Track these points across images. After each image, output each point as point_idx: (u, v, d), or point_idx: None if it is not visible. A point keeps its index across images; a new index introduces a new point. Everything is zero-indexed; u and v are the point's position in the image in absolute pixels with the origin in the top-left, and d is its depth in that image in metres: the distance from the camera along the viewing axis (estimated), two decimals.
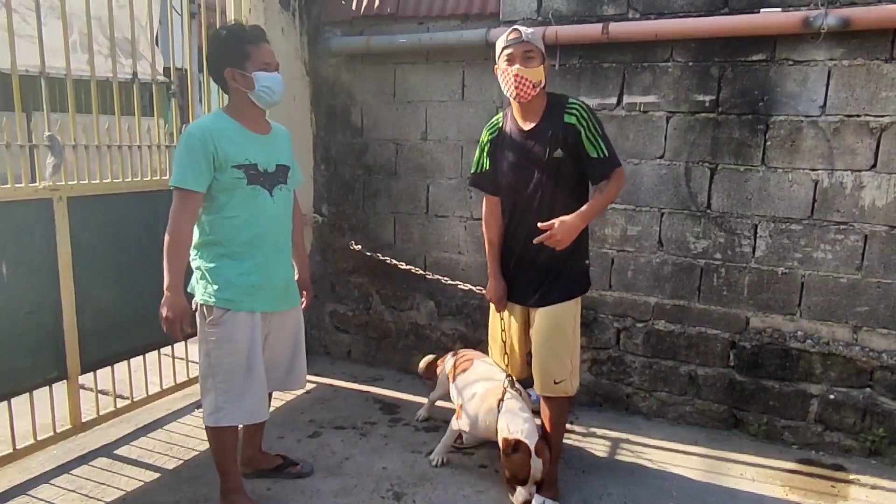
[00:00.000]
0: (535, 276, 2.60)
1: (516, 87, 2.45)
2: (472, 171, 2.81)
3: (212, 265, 2.40)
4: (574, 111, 2.48)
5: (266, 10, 3.78)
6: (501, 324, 2.80)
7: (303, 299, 2.77)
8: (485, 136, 2.72)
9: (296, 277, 2.77)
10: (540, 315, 2.61)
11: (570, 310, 2.60)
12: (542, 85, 2.49)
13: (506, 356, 2.83)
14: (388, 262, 3.35)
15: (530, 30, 2.49)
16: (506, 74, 2.47)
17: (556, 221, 2.38)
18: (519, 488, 2.53)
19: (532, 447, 2.51)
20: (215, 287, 2.38)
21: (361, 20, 3.97)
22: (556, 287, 2.58)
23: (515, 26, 2.50)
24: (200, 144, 2.30)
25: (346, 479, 2.91)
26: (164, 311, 2.31)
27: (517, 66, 2.43)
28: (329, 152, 4.27)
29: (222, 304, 2.38)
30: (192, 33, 4.12)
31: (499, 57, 2.52)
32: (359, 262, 4.22)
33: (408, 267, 3.58)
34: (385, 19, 3.90)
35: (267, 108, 2.45)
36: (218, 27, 2.63)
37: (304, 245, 2.84)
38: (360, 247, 3.43)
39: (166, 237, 2.32)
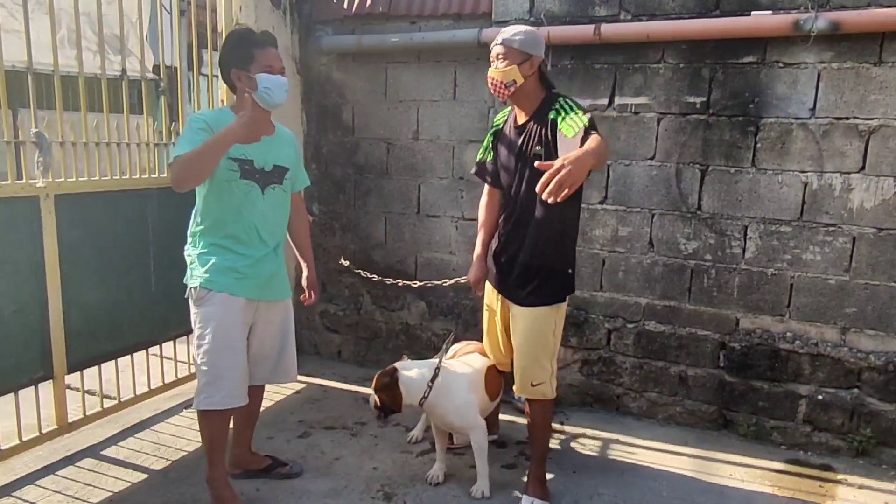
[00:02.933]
0: (520, 272, 2.61)
1: (491, 87, 2.55)
2: (476, 160, 2.87)
3: (200, 251, 2.50)
4: (556, 105, 2.48)
5: (257, 8, 3.76)
6: (487, 309, 2.88)
7: (312, 297, 2.89)
8: (492, 127, 2.78)
9: (304, 275, 2.88)
10: (523, 315, 2.62)
11: (553, 315, 2.61)
12: (516, 84, 2.48)
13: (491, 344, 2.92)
14: (375, 279, 3.34)
15: (513, 30, 2.49)
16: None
17: (560, 160, 2.06)
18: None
19: (399, 374, 2.68)
20: (200, 270, 2.47)
21: (353, 19, 3.95)
22: (542, 289, 2.58)
23: (504, 28, 2.53)
24: (206, 126, 2.39)
25: (336, 479, 2.89)
26: (246, 118, 2.24)
27: (490, 67, 2.53)
28: (320, 151, 4.25)
29: (205, 285, 2.46)
30: (181, 30, 4.08)
31: None
32: (349, 263, 4.20)
33: (396, 282, 3.51)
34: (377, 18, 3.89)
35: (269, 108, 2.49)
36: (231, 30, 2.69)
37: (310, 245, 2.92)
38: (348, 262, 3.43)
39: (184, 156, 2.25)
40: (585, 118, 2.39)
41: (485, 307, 2.91)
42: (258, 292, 2.55)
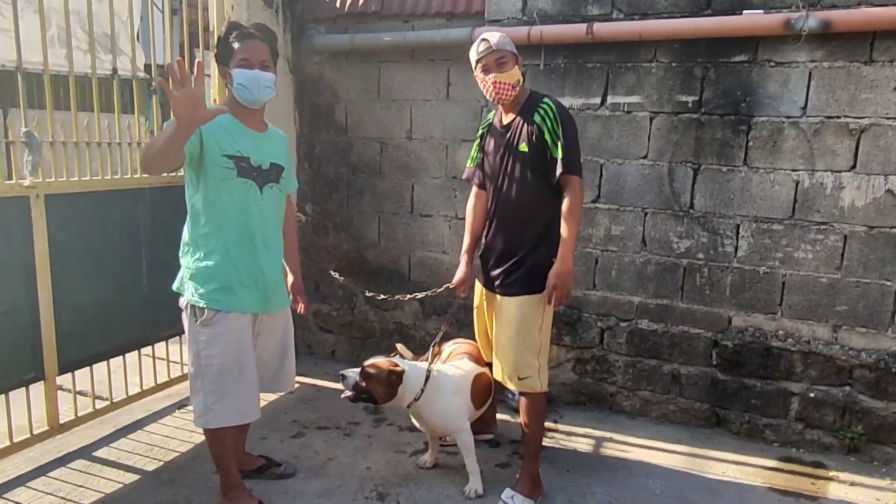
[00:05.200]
0: (503, 261, 2.67)
1: (496, 92, 2.59)
2: (467, 165, 2.93)
3: (202, 264, 2.36)
4: (541, 109, 2.54)
5: (249, 7, 3.75)
6: (476, 308, 2.93)
7: (299, 304, 2.79)
8: (479, 131, 2.86)
9: (289, 281, 2.77)
10: (504, 305, 2.66)
11: (537, 307, 2.60)
12: (520, 82, 2.59)
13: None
14: (378, 297, 3.32)
15: (496, 36, 2.56)
16: (485, 83, 2.60)
17: (549, 282, 2.51)
18: None
19: (405, 377, 2.65)
20: (205, 288, 2.35)
21: (346, 18, 3.95)
22: (525, 278, 2.60)
23: (484, 36, 2.58)
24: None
25: (330, 479, 2.89)
26: (179, 103, 1.95)
27: (493, 73, 2.56)
28: (313, 151, 4.24)
29: (213, 305, 2.35)
30: (173, 29, 4.06)
31: (475, 67, 2.63)
32: (343, 263, 4.19)
33: (387, 297, 3.45)
34: (370, 17, 3.88)
35: (249, 105, 2.39)
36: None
37: (297, 249, 2.84)
38: (342, 278, 3.42)
39: (147, 156, 2.12)
40: (561, 149, 2.47)
41: (475, 307, 2.95)
42: (264, 305, 2.48)
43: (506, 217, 2.66)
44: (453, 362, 2.95)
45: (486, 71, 2.58)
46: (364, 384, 2.63)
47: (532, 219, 2.60)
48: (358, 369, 2.66)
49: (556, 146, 2.48)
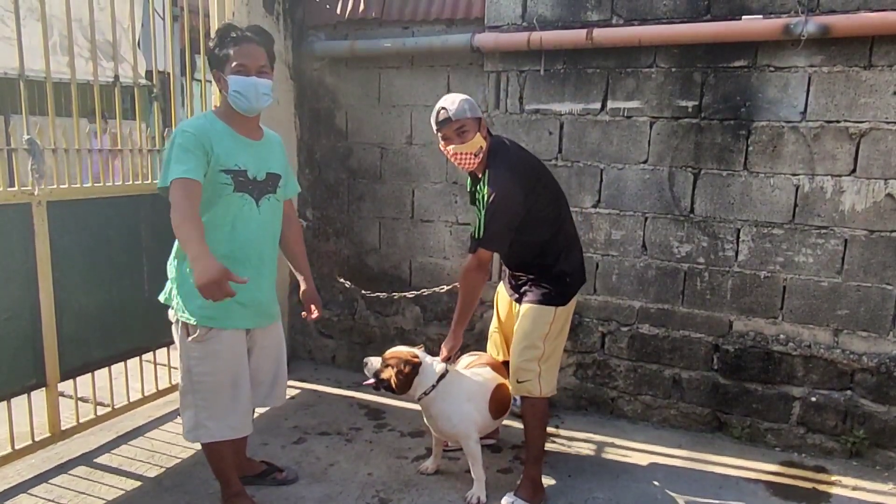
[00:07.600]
0: (513, 276, 2.86)
1: (459, 163, 2.62)
2: None
3: (192, 279, 2.24)
4: (486, 172, 2.56)
5: (250, 14, 3.76)
6: (497, 310, 3.10)
7: (314, 311, 2.72)
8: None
9: (302, 289, 2.72)
10: (519, 311, 2.77)
11: (542, 316, 2.67)
12: (482, 150, 2.59)
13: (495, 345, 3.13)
14: (374, 294, 3.34)
15: (456, 103, 2.55)
16: (447, 154, 2.63)
17: (443, 346, 2.78)
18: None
19: (422, 366, 2.70)
20: (197, 304, 2.26)
21: (346, 24, 3.96)
22: (530, 290, 2.73)
23: (442, 103, 2.57)
24: (195, 139, 2.20)
25: (331, 485, 2.89)
26: (201, 281, 1.97)
27: (453, 145, 2.57)
28: (313, 156, 4.25)
29: (206, 323, 2.30)
30: (174, 36, 4.08)
31: (436, 135, 2.64)
32: (343, 268, 4.20)
33: (392, 295, 3.49)
34: (370, 23, 3.90)
35: (245, 113, 2.32)
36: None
37: (305, 255, 2.78)
38: (349, 283, 3.45)
39: (176, 222, 2.09)
40: (480, 223, 2.52)
41: (495, 310, 3.11)
42: (258, 320, 2.46)
43: (503, 257, 2.82)
44: (475, 369, 2.93)
45: (446, 141, 2.59)
46: (382, 372, 2.68)
47: (524, 257, 2.73)
48: (380, 358, 2.73)
49: (478, 211, 2.55)
